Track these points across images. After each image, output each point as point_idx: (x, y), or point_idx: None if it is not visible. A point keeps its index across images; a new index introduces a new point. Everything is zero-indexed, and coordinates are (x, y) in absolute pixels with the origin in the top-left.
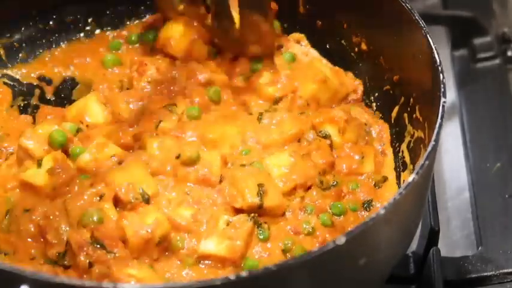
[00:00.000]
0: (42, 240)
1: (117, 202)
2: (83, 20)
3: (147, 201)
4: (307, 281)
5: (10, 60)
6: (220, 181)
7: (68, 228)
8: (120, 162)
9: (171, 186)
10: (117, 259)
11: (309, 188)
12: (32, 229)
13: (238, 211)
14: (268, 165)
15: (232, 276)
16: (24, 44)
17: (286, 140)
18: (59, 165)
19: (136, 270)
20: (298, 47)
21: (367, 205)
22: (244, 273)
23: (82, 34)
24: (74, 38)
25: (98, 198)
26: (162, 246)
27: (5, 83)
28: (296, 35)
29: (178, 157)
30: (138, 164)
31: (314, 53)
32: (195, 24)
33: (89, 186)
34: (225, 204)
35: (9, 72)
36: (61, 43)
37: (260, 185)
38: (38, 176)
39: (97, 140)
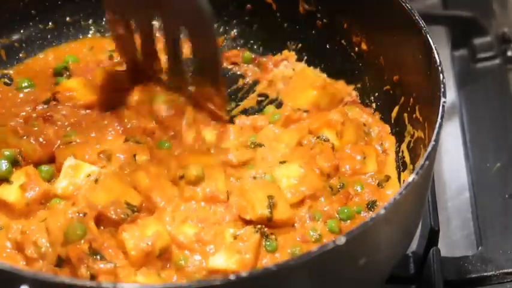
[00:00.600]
0: (21, 256)
1: (108, 222)
2: (82, 21)
3: (138, 211)
4: (307, 281)
5: (10, 60)
6: (228, 197)
7: (47, 244)
8: (96, 180)
9: (177, 203)
10: (122, 268)
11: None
12: (9, 245)
13: (246, 223)
14: (277, 175)
15: (232, 276)
16: (24, 44)
17: (293, 150)
18: (31, 180)
19: (144, 278)
20: (286, 64)
21: (371, 205)
22: (244, 273)
23: (82, 34)
24: (74, 38)
25: (82, 215)
26: (163, 258)
27: (5, 83)
28: (285, 53)
29: (182, 177)
30: (114, 177)
31: (303, 65)
32: None
33: (70, 205)
34: (232, 218)
35: (9, 72)
36: (61, 43)
37: (270, 197)
38: (10, 193)
39: (68, 162)
